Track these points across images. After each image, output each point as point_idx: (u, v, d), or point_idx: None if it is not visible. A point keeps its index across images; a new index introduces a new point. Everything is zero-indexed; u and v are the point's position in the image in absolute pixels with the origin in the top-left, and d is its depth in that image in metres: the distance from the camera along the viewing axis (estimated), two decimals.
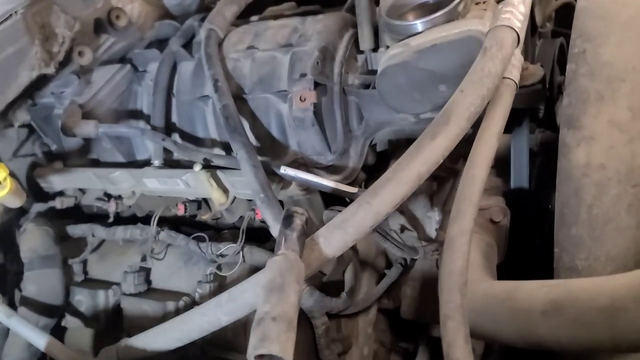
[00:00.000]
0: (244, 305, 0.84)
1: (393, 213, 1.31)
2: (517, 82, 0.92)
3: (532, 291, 0.81)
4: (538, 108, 1.35)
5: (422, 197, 1.29)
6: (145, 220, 1.37)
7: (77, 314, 1.34)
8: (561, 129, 0.95)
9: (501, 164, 1.48)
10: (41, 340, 1.05)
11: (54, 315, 1.30)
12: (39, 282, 1.29)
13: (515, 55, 0.93)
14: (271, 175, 1.16)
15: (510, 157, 1.32)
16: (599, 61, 0.95)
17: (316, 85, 1.16)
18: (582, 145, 0.91)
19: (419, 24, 1.05)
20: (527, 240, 1.32)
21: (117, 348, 1.02)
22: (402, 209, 1.30)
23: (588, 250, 0.88)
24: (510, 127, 1.31)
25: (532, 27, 1.33)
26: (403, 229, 1.32)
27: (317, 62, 1.17)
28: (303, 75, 1.16)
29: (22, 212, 1.50)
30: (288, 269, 0.73)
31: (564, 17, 1.37)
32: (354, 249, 1.29)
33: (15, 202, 1.27)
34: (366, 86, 1.23)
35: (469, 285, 0.95)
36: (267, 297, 0.71)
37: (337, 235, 0.79)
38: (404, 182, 0.77)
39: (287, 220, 0.81)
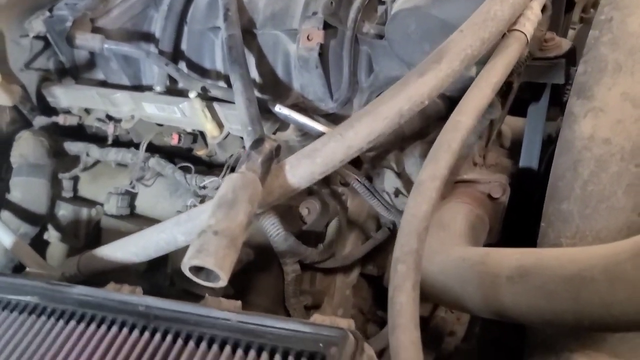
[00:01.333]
0: (201, 225, 0.80)
1: (389, 174, 1.27)
2: (528, 37, 0.85)
3: (503, 257, 0.75)
4: (562, 89, 1.27)
5: (422, 161, 1.22)
6: None
7: (59, 228, 1.33)
8: (570, 97, 0.88)
9: (515, 148, 1.41)
10: (8, 239, 1.04)
11: (36, 224, 1.29)
12: (24, 189, 1.28)
13: (532, 9, 0.85)
14: (267, 113, 1.13)
15: None
16: (625, 31, 0.87)
17: (327, 26, 1.11)
18: (590, 116, 0.84)
19: None
20: (527, 224, 1.25)
21: (79, 259, 1.00)
22: (399, 171, 1.25)
23: (576, 227, 0.82)
24: (527, 105, 1.24)
25: (569, 1, 1.25)
26: (397, 192, 1.26)
27: (331, 2, 1.12)
28: (314, 13, 1.11)
29: (27, 125, 1.50)
30: (242, 186, 0.69)
31: None
32: (342, 205, 1.24)
33: (4, 98, 1.25)
34: (381, 37, 1.17)
35: (445, 249, 0.90)
36: (214, 212, 0.67)
37: (305, 164, 0.75)
38: (383, 117, 0.72)
39: (256, 143, 0.77)
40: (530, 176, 1.24)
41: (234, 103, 1.12)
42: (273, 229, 1.06)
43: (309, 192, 1.20)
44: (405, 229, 0.66)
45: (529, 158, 1.23)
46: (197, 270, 0.65)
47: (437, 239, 0.95)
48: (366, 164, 1.25)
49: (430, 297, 0.88)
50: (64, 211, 1.33)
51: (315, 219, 1.14)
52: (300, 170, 0.75)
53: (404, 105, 0.72)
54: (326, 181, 1.24)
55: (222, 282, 0.65)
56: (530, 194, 1.27)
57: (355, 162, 1.20)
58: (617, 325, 0.59)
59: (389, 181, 1.26)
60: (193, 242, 0.65)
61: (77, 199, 1.40)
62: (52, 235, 1.35)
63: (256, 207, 0.70)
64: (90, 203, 1.38)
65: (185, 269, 0.64)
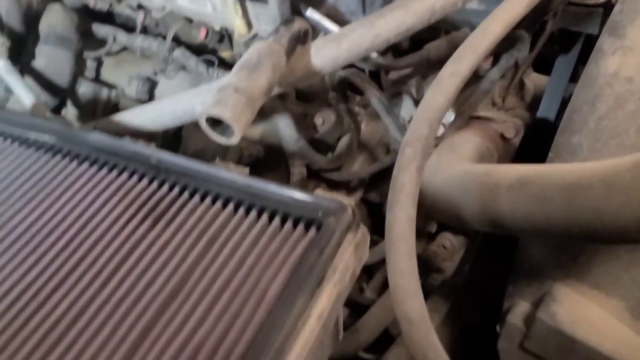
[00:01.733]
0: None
1: (407, 101, 1.28)
2: None
3: (507, 169, 0.77)
4: (593, 45, 1.26)
5: None
6: None
7: (78, 105, 1.36)
8: (602, 34, 0.88)
9: (535, 104, 1.41)
10: (29, 100, 1.06)
11: (56, 94, 1.31)
12: (49, 58, 1.29)
13: None
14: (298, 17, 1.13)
15: None
16: None
17: None
18: (618, 54, 0.85)
19: None
20: None
21: (96, 122, 1.02)
22: (418, 98, 1.25)
23: (583, 160, 0.83)
24: (556, 55, 1.23)
25: None
26: None
27: None
28: None
29: None
30: (267, 54, 0.71)
31: None
32: (356, 124, 1.26)
33: None
34: None
35: (451, 165, 0.91)
36: (237, 72, 0.69)
37: (330, 47, 0.76)
38: (414, 12, 0.73)
39: (287, 21, 0.78)
40: (544, 128, 1.24)
41: (266, 3, 1.13)
42: (286, 130, 1.08)
43: (327, 104, 1.21)
44: (418, 117, 0.68)
45: (548, 109, 1.23)
46: (214, 124, 0.67)
47: (445, 159, 0.97)
48: (386, 89, 1.26)
49: (429, 209, 0.90)
50: (85, 89, 1.36)
51: (328, 129, 1.16)
52: (325, 52, 0.76)
53: (437, 2, 0.73)
54: (344, 98, 1.25)
55: (236, 138, 0.67)
56: (543, 146, 1.27)
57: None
58: (605, 233, 0.61)
59: (407, 108, 1.27)
60: (213, 96, 0.67)
61: (98, 81, 1.42)
62: (70, 112, 1.37)
63: (277, 77, 0.72)
64: (111, 87, 1.40)
65: (202, 119, 0.66)
